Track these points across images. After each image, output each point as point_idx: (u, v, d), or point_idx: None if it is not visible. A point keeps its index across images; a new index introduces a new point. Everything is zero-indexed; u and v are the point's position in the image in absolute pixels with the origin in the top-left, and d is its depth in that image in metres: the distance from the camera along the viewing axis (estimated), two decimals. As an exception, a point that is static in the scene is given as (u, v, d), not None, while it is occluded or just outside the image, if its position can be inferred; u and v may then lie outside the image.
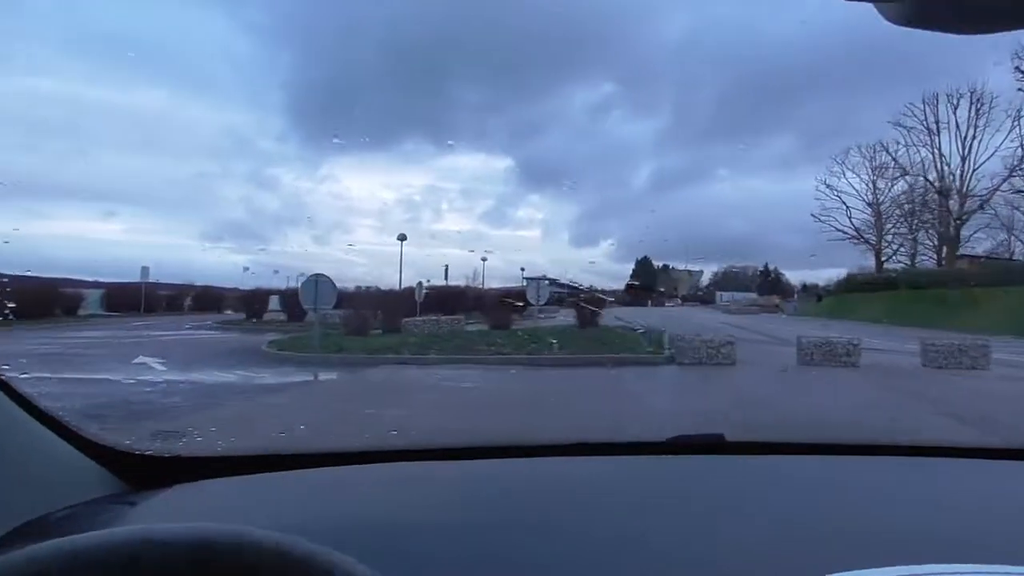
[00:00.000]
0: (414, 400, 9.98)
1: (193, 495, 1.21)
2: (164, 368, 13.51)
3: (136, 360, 14.54)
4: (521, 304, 24.77)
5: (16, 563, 0.59)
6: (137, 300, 30.49)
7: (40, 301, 26.73)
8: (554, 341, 16.96)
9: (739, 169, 58.76)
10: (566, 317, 26.99)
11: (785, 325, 29.28)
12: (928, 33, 0.52)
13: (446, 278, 32.01)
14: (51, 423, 1.16)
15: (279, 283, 28.29)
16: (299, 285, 16.00)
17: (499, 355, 15.58)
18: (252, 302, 28.40)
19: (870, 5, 0.51)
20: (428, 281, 26.97)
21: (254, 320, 27.21)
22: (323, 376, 13.31)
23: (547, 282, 25.51)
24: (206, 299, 34.41)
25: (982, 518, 1.13)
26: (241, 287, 28.56)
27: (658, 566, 0.96)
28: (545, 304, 25.21)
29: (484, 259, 35.59)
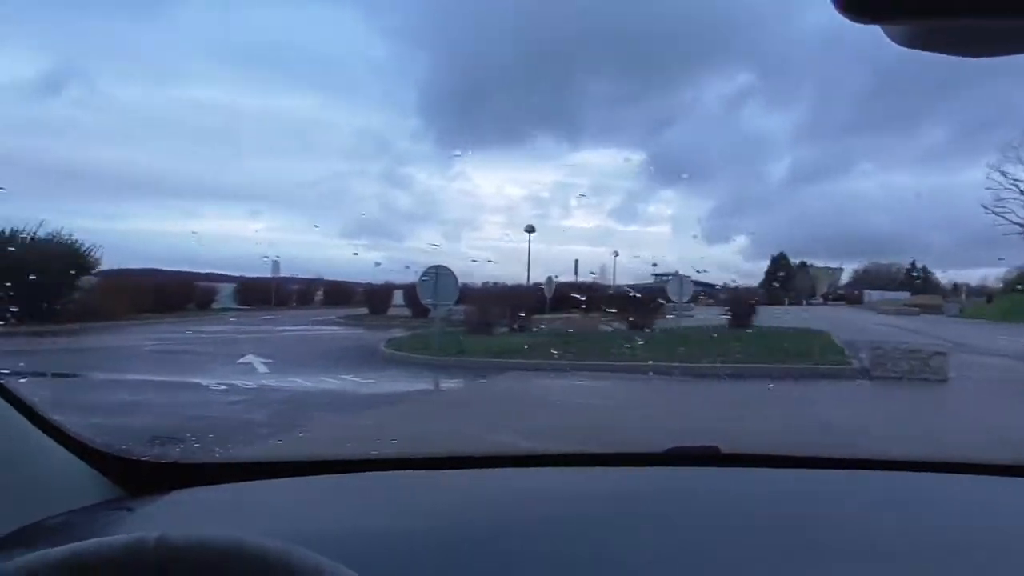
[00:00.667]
0: (550, 422, 7.74)
1: (191, 501, 1.22)
2: (267, 370, 12.08)
3: (242, 359, 13.20)
4: (660, 302, 22.37)
5: (8, 572, 0.61)
6: (268, 294, 30.50)
7: (176, 295, 27.17)
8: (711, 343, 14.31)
9: (884, 163, 53.91)
10: (708, 316, 24.37)
11: (971, 329, 24.98)
12: None
13: (576, 274, 30.56)
14: (49, 428, 1.17)
15: (409, 278, 27.69)
16: (420, 277, 14.22)
17: (645, 361, 13.17)
18: (376, 297, 27.24)
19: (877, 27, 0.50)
20: (556, 277, 24.94)
21: (378, 315, 26.01)
22: (444, 383, 11.41)
23: (690, 278, 23.15)
24: (335, 293, 34.27)
25: (983, 536, 1.11)
26: (373, 282, 28.15)
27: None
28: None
29: (616, 254, 33.70)
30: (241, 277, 28.75)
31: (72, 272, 21.55)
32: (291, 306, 33.19)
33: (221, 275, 28.04)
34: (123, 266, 22.21)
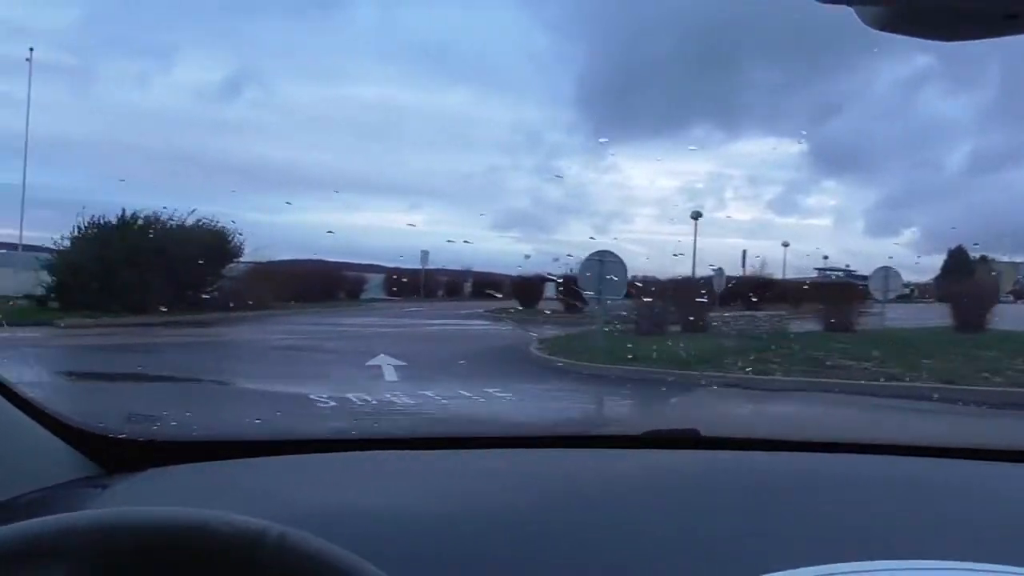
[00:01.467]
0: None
1: (167, 479, 1.21)
2: (397, 376, 9.95)
3: (371, 361, 11.17)
4: (855, 299, 18.76)
5: None
6: (416, 285, 29.51)
7: (324, 285, 26.45)
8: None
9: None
10: (914, 314, 20.30)
11: None
12: None
13: (743, 266, 27.41)
14: (22, 403, 1.18)
15: (557, 270, 26.58)
16: (578, 268, 11.53)
17: (877, 380, 9.88)
18: (526, 289, 24.93)
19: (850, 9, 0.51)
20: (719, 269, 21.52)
21: (527, 309, 23.73)
22: (617, 404, 8.73)
23: (897, 271, 19.27)
24: (484, 285, 33.08)
25: (957, 518, 1.12)
26: (523, 274, 26.67)
27: (626, 558, 0.97)
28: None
29: (786, 244, 29.88)
30: (396, 268, 28.34)
31: (216, 260, 20.91)
32: (439, 297, 32.38)
33: (374, 265, 27.89)
34: (291, 256, 21.98)
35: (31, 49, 23.05)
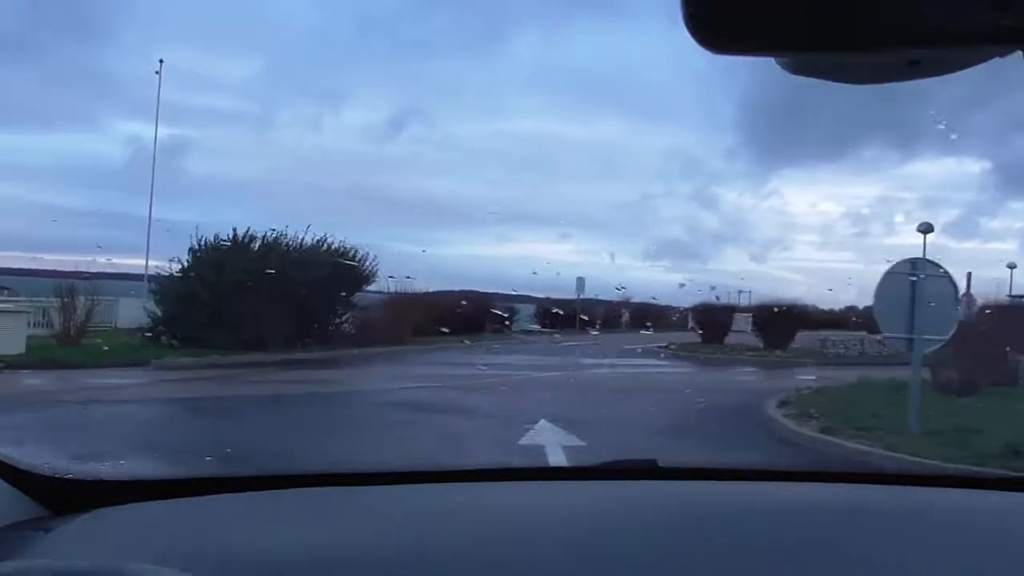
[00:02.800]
0: None
1: (112, 520, 1.17)
2: (567, 462, 5.89)
3: (529, 434, 7.27)
4: None
5: None
6: (571, 316, 26.06)
7: (468, 317, 23.28)
8: None
9: None
10: None
11: None
12: None
13: (968, 289, 22.00)
14: None
15: (705, 297, 23.51)
16: (875, 290, 6.73)
17: None
18: (710, 321, 20.30)
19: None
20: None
21: (713, 344, 19.15)
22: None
23: None
24: (645, 316, 29.40)
25: (931, 548, 1.12)
26: (679, 304, 25.37)
27: None
28: None
29: (1012, 266, 23.72)
30: (546, 298, 25.80)
31: (345, 286, 17.96)
32: (596, 329, 28.84)
33: (526, 296, 25.74)
34: (439, 288, 20.45)
35: (158, 74, 22.20)
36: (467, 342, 20.03)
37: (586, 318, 26.99)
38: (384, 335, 18.11)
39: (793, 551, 1.07)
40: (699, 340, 20.04)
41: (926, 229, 10.34)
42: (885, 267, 7.02)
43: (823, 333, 18.98)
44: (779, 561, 1.03)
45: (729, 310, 19.97)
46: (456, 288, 22.12)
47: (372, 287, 19.53)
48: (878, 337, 16.22)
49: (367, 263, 18.57)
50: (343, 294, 17.87)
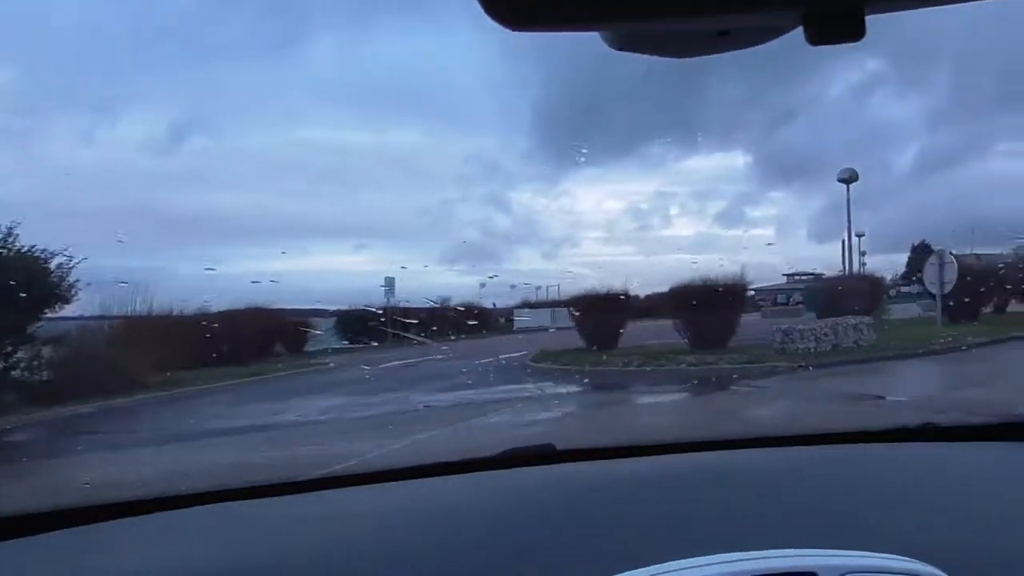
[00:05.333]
0: None
1: (6, 554, 1.15)
2: None
3: None
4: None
5: None
6: (375, 327, 20.98)
7: (251, 339, 17.76)
8: None
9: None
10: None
11: None
12: None
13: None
14: None
15: (513, 299, 25.95)
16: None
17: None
18: (603, 320, 14.97)
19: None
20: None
21: (607, 351, 14.10)
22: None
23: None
24: (466, 320, 25.26)
25: (812, 505, 1.14)
26: (503, 305, 26.21)
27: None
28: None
29: (860, 235, 24.37)
30: (349, 309, 22.47)
31: (12, 313, 10.84)
32: (411, 341, 23.64)
33: (320, 310, 23.22)
34: (233, 306, 16.78)
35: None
36: (244, 378, 13.89)
37: (397, 331, 21.72)
38: (101, 380, 11.47)
39: (690, 518, 1.10)
40: (583, 345, 14.95)
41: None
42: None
43: (783, 322, 14.59)
44: (676, 529, 1.06)
45: (621, 301, 14.99)
46: (229, 307, 17.19)
47: (92, 311, 12.76)
48: (853, 321, 12.70)
49: (62, 275, 11.73)
50: (13, 321, 10.78)
